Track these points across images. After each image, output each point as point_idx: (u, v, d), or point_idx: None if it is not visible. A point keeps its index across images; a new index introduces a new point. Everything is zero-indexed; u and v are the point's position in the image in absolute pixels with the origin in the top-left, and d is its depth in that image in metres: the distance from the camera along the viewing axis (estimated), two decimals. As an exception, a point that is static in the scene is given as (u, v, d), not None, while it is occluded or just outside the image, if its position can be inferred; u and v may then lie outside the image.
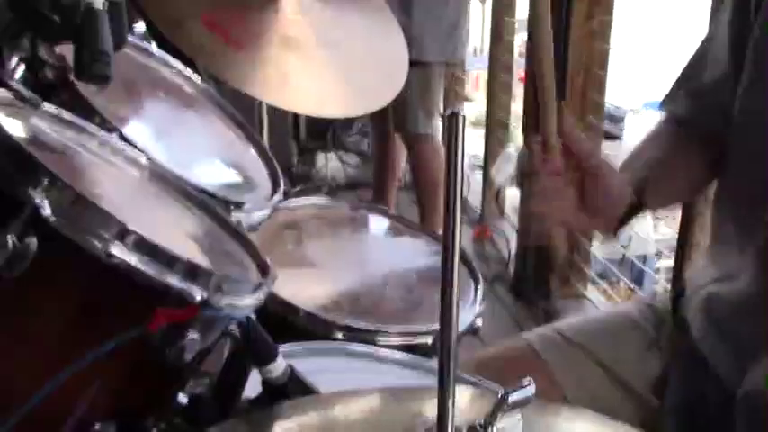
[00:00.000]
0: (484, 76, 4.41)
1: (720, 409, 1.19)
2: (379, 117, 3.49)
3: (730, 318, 1.21)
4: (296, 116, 4.31)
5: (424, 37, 3.12)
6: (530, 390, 0.71)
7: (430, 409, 0.69)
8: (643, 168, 1.26)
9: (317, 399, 0.95)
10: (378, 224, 1.84)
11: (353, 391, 0.92)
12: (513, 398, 0.70)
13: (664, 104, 1.36)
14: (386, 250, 1.76)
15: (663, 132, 1.36)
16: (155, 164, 1.22)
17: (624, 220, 1.22)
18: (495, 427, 0.70)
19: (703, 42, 1.33)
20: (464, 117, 0.63)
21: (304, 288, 1.44)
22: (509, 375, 0.76)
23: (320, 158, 4.56)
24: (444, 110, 3.95)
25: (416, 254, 1.71)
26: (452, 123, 0.63)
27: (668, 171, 1.29)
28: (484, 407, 0.72)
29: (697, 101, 1.30)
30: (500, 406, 0.70)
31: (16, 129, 0.98)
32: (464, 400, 0.84)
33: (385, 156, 3.81)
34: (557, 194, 1.16)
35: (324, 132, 4.63)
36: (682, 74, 1.35)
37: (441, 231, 0.66)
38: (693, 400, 1.27)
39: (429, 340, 1.37)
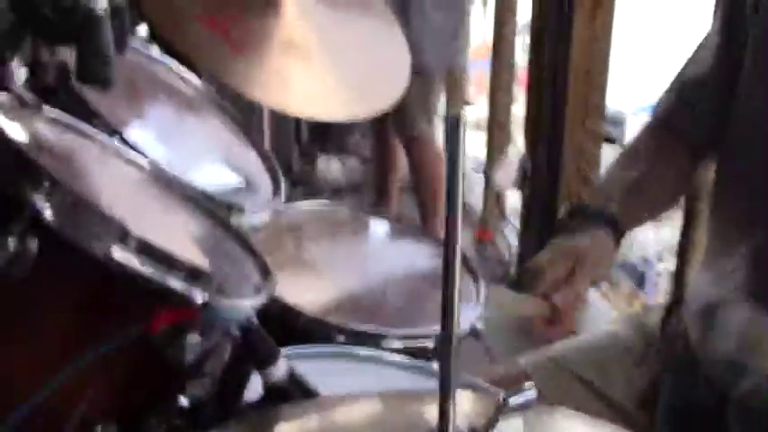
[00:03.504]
0: (485, 78, 4.40)
1: (713, 414, 1.19)
2: (377, 119, 3.49)
3: (727, 320, 1.21)
4: (297, 119, 4.31)
5: (423, 43, 3.12)
6: (531, 393, 0.71)
7: (431, 413, 0.69)
8: (621, 196, 1.28)
9: (317, 402, 0.95)
10: (378, 226, 1.84)
11: (354, 395, 0.92)
12: (513, 402, 0.70)
13: (654, 109, 1.38)
14: (387, 253, 1.76)
15: (642, 147, 1.37)
16: (156, 166, 1.22)
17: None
18: (496, 431, 0.70)
19: (698, 45, 1.34)
20: (465, 120, 0.63)
21: (305, 291, 1.44)
22: None
23: (321, 161, 4.56)
24: (445, 112, 3.95)
25: (417, 256, 1.71)
26: (453, 126, 0.63)
27: (646, 191, 1.32)
28: (485, 410, 0.72)
29: (679, 97, 1.32)
30: (501, 409, 0.70)
31: (18, 132, 0.98)
32: (465, 403, 0.84)
33: (384, 158, 3.81)
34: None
35: (325, 135, 4.63)
36: (673, 79, 1.36)
37: (442, 232, 0.66)
38: (686, 406, 1.27)
39: (430, 343, 1.37)
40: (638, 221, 1.33)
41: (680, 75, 1.34)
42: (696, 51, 1.33)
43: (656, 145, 1.35)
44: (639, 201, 1.30)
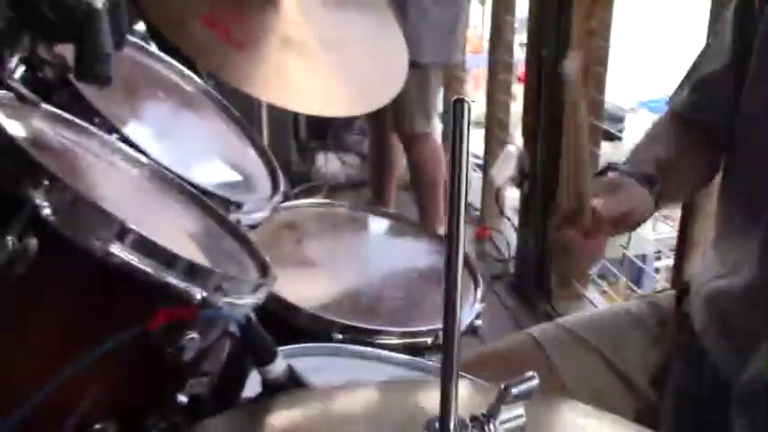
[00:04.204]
0: (483, 75, 4.41)
1: (718, 401, 1.20)
2: (375, 116, 3.49)
3: (733, 310, 1.22)
4: (296, 115, 4.31)
5: (421, 38, 3.12)
6: (533, 382, 0.70)
7: (431, 402, 0.69)
8: (652, 169, 1.26)
9: (317, 391, 0.95)
10: (377, 224, 1.84)
11: (354, 384, 0.92)
12: (515, 390, 0.70)
13: (670, 101, 1.38)
14: (386, 250, 1.76)
15: (665, 131, 1.37)
16: (155, 163, 1.22)
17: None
18: (497, 420, 0.70)
19: (709, 39, 1.34)
20: (470, 105, 0.63)
21: (304, 288, 1.44)
22: (511, 367, 0.76)
23: (320, 158, 4.56)
24: (443, 109, 3.95)
25: (416, 253, 1.71)
26: (457, 111, 0.62)
27: (675, 172, 1.30)
28: (486, 400, 0.71)
29: (698, 94, 1.32)
30: (502, 398, 0.70)
31: (16, 129, 0.98)
32: (466, 393, 0.84)
33: (382, 155, 3.81)
34: (588, 250, 1.19)
35: (324, 132, 4.62)
36: (688, 70, 1.36)
37: (440, 230, 0.66)
38: (692, 391, 1.28)
39: (429, 340, 1.37)
40: (667, 201, 1.31)
41: (695, 72, 1.34)
42: (710, 48, 1.33)
43: (679, 133, 1.35)
44: (668, 177, 1.27)
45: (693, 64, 1.35)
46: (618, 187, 1.20)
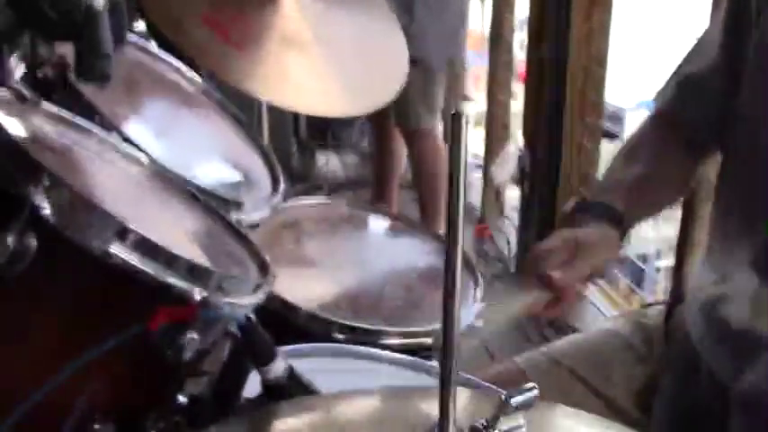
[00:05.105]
0: (483, 74, 4.40)
1: (715, 411, 1.20)
2: (378, 114, 3.48)
3: (730, 317, 1.21)
4: (296, 115, 4.30)
5: (426, 36, 3.12)
6: (533, 393, 0.71)
7: (431, 409, 0.69)
8: (625, 193, 1.28)
9: (317, 398, 0.95)
10: (378, 223, 1.84)
11: (354, 391, 0.92)
12: (515, 400, 0.70)
13: (655, 97, 1.38)
14: (386, 249, 1.76)
15: (646, 139, 1.37)
16: (154, 163, 1.22)
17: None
18: (497, 430, 0.70)
19: (699, 38, 1.34)
20: (467, 117, 0.63)
21: (304, 287, 1.44)
22: None
23: (320, 157, 4.56)
24: (446, 108, 3.95)
25: (417, 253, 1.71)
26: (456, 124, 0.62)
27: (653, 187, 1.32)
28: (486, 409, 0.71)
29: (682, 91, 1.32)
30: (502, 408, 0.70)
31: (16, 128, 0.98)
32: (465, 402, 0.84)
33: (384, 153, 3.80)
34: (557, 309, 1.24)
35: (324, 131, 4.62)
36: (675, 68, 1.36)
37: (441, 229, 0.66)
38: (687, 403, 1.27)
39: (429, 340, 1.37)
40: (643, 218, 1.34)
41: (681, 69, 1.34)
42: (696, 46, 1.33)
43: (658, 140, 1.35)
44: (644, 198, 1.30)
45: (680, 62, 1.35)
46: (583, 247, 1.21)
